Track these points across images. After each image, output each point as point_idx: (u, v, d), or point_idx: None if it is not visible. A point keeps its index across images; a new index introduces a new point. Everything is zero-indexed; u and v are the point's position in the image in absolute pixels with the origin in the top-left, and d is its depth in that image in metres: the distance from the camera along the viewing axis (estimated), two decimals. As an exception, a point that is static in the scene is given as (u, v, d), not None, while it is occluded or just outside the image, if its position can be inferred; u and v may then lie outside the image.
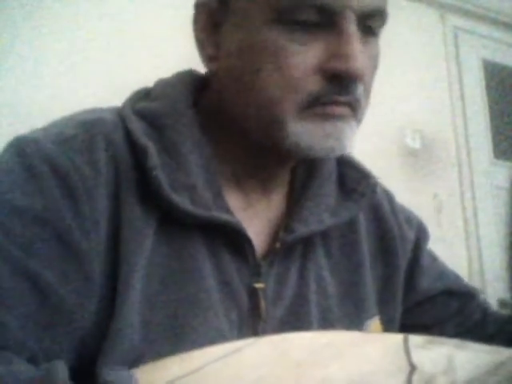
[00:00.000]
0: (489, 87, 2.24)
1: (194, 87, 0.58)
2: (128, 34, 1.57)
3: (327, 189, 0.59)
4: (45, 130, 0.54)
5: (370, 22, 0.51)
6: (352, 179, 0.60)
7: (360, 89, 0.52)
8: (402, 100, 1.98)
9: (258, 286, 0.53)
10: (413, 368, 0.43)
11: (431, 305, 0.67)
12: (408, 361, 0.43)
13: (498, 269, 1.98)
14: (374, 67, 0.55)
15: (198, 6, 0.54)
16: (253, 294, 0.53)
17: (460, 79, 2.18)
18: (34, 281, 0.45)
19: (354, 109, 0.52)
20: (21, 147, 0.51)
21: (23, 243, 0.46)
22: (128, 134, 0.53)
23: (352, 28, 0.50)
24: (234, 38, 0.52)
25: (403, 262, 0.64)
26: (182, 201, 0.51)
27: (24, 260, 0.45)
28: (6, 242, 0.45)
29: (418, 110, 2.02)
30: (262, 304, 0.53)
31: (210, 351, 0.43)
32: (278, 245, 0.55)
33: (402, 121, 1.97)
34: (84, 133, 0.52)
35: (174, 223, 0.52)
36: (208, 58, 0.54)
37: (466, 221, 2.01)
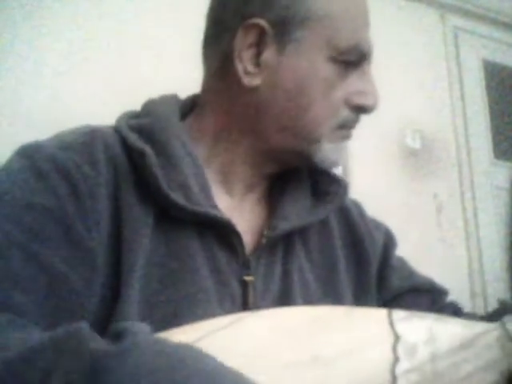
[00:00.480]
0: (489, 87, 2.24)
1: (178, 107, 0.65)
2: (128, 34, 1.57)
3: (302, 193, 0.66)
4: (47, 139, 0.59)
5: None
6: (324, 184, 0.67)
7: None
8: (402, 100, 1.98)
9: (248, 279, 0.58)
10: (397, 337, 0.47)
11: (402, 302, 0.70)
12: (392, 331, 0.47)
13: (498, 269, 1.98)
14: None
15: (247, 26, 0.59)
16: (244, 287, 0.57)
17: (460, 79, 2.18)
18: (42, 264, 0.48)
19: None
20: (26, 151, 0.55)
21: (34, 234, 0.49)
22: (124, 143, 0.58)
23: (370, 70, 0.64)
24: (286, 62, 0.60)
25: (374, 264, 0.69)
26: (177, 197, 0.55)
27: (33, 246, 0.48)
28: (19, 233, 0.49)
29: (418, 109, 2.02)
30: (251, 296, 0.57)
31: (208, 323, 0.45)
32: (263, 240, 0.60)
33: (402, 121, 1.97)
34: (84, 138, 0.57)
35: (169, 222, 0.56)
36: (245, 73, 0.60)
37: (466, 221, 2.01)
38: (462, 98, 2.15)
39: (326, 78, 0.60)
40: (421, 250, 1.83)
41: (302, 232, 0.65)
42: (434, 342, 0.47)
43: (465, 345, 0.48)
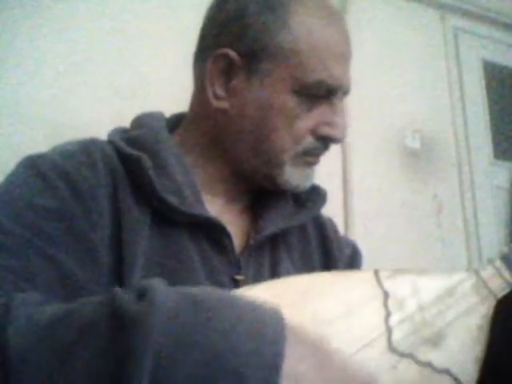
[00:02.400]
0: (489, 87, 2.24)
1: (165, 122, 0.69)
2: (128, 33, 1.57)
3: (285, 202, 0.71)
4: (49, 150, 0.62)
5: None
6: (305, 193, 0.72)
7: None
8: (402, 100, 1.98)
9: (239, 278, 0.61)
10: (386, 294, 0.52)
11: None
12: (381, 289, 0.52)
13: (498, 269, 1.98)
14: None
15: (217, 55, 0.64)
16: (235, 285, 0.61)
17: (460, 79, 2.18)
18: (53, 265, 0.50)
19: None
20: (31, 160, 0.58)
21: (39, 232, 0.52)
22: (118, 152, 0.62)
23: (341, 103, 0.66)
24: (253, 91, 0.63)
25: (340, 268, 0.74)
26: (172, 200, 0.58)
27: (41, 246, 0.51)
28: (25, 232, 0.51)
29: (417, 110, 2.02)
30: None
31: None
32: (252, 241, 0.64)
33: (402, 121, 1.97)
34: (82, 146, 0.61)
35: (164, 224, 0.59)
36: (214, 96, 0.64)
37: (466, 221, 2.01)
38: (462, 98, 2.15)
39: (289, 110, 0.62)
40: (421, 250, 1.83)
41: (284, 237, 0.69)
42: (418, 294, 0.53)
43: (445, 294, 0.53)
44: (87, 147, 0.61)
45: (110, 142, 0.64)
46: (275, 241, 0.68)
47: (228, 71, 0.64)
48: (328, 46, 0.63)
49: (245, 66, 0.63)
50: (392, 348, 0.49)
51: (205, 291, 0.42)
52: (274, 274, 0.65)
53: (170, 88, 1.47)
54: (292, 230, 0.71)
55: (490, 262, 0.57)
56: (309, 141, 0.64)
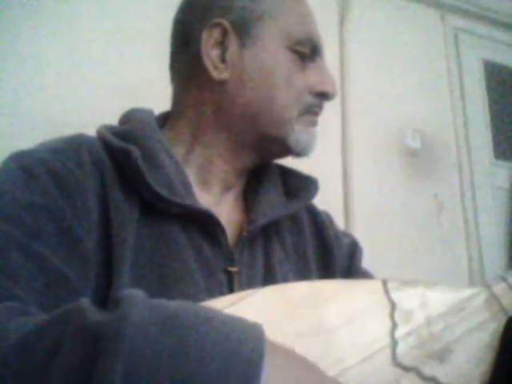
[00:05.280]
0: (489, 87, 2.24)
1: (154, 118, 0.70)
2: (128, 33, 1.57)
3: (276, 191, 0.72)
4: (36, 146, 0.62)
5: None
6: (295, 182, 0.74)
7: None
8: (402, 100, 1.98)
9: (233, 269, 0.62)
10: (393, 305, 0.51)
11: None
12: (388, 299, 0.51)
13: (498, 269, 1.98)
14: None
15: (212, 25, 0.67)
16: (229, 277, 0.61)
17: (460, 79, 2.17)
18: (41, 263, 0.50)
19: None
20: (18, 157, 0.58)
21: (30, 232, 0.51)
22: (107, 147, 0.62)
23: (324, 63, 0.71)
24: (249, 56, 0.67)
25: (338, 266, 0.74)
26: (161, 190, 0.58)
27: (32, 245, 0.50)
28: (15, 230, 0.50)
29: (417, 110, 2.02)
30: (237, 286, 0.60)
31: (219, 301, 0.48)
32: (245, 233, 0.65)
33: (402, 121, 1.97)
34: (70, 143, 0.61)
35: (155, 217, 0.59)
36: (212, 67, 0.67)
37: (466, 221, 2.00)
38: (462, 98, 2.15)
39: (286, 66, 0.67)
40: (421, 250, 1.83)
41: (277, 229, 0.70)
42: (427, 307, 0.52)
43: (455, 308, 0.52)
44: (75, 144, 0.60)
45: (99, 136, 0.64)
46: (268, 233, 0.69)
47: (222, 41, 0.67)
48: (304, 9, 0.71)
49: (237, 33, 0.67)
50: (396, 361, 0.48)
51: (182, 308, 0.40)
52: (268, 265, 0.66)
53: (170, 88, 1.46)
54: (285, 223, 0.72)
55: (503, 278, 0.54)
56: (308, 98, 0.69)
